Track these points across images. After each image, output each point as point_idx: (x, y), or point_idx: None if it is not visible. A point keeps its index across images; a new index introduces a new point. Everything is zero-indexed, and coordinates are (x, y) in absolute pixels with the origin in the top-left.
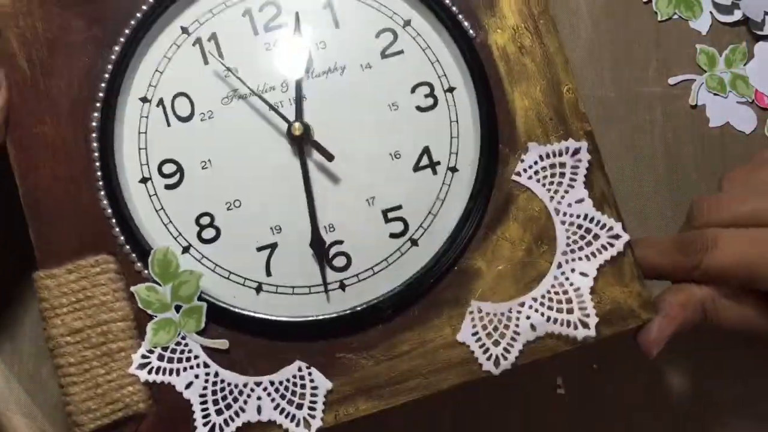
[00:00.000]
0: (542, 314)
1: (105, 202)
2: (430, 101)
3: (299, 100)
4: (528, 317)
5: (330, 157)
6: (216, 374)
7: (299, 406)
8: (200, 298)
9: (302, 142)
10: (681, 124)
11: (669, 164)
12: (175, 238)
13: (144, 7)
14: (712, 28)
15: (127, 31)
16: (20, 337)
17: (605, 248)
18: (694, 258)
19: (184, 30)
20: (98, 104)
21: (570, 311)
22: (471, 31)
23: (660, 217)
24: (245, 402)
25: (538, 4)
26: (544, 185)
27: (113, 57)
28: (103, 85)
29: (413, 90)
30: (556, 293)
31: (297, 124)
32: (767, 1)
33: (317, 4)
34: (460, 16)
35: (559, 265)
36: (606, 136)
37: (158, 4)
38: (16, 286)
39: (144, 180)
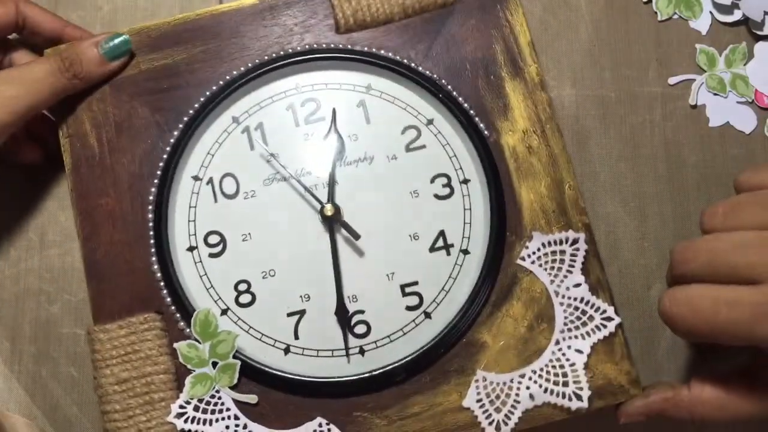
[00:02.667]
0: (540, 386)
1: (156, 266)
2: (447, 191)
3: (332, 184)
4: (528, 387)
5: (356, 236)
6: (245, 426)
7: None
8: (235, 356)
9: (332, 222)
10: (681, 124)
11: (669, 164)
12: (215, 301)
13: (201, 99)
14: (712, 28)
15: (185, 119)
16: (20, 338)
17: (599, 329)
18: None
19: (235, 119)
20: (156, 180)
21: (566, 384)
22: (486, 132)
23: (660, 217)
24: None
25: (545, 111)
26: (545, 270)
27: (172, 140)
28: (161, 164)
29: (432, 180)
30: (554, 367)
31: (329, 206)
32: (767, 1)
33: (352, 103)
34: (477, 119)
35: (557, 342)
36: (606, 136)
37: (213, 98)
38: (17, 287)
39: (191, 248)
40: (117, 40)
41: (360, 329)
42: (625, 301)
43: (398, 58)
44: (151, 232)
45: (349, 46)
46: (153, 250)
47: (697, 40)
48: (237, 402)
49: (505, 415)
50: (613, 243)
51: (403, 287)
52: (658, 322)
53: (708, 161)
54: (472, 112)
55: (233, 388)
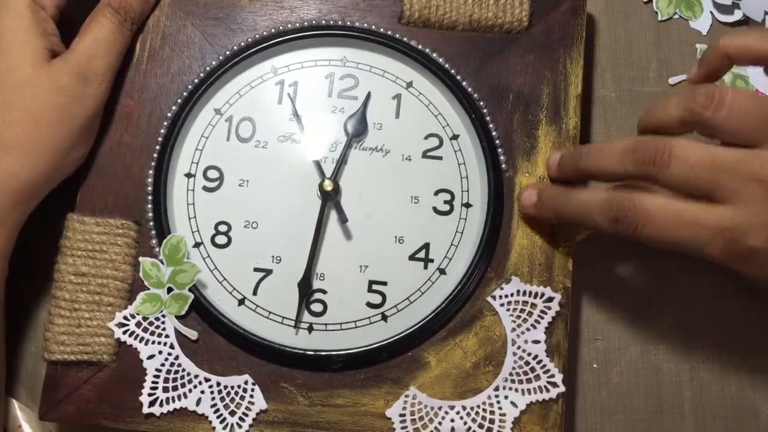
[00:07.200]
0: (465, 423)
1: (150, 180)
2: (447, 207)
3: (340, 162)
4: (452, 420)
5: (344, 220)
6: (176, 357)
7: (232, 413)
8: (191, 290)
9: (328, 198)
10: None
11: None
12: (193, 232)
13: (249, 40)
14: (713, 28)
15: (227, 53)
16: (20, 337)
17: (541, 390)
18: (626, 229)
19: (274, 69)
20: (179, 100)
21: (489, 431)
22: (504, 165)
23: None
24: (190, 391)
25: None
26: (511, 316)
27: (208, 69)
28: (190, 87)
29: (437, 193)
30: (484, 411)
31: (329, 181)
32: (767, 1)
33: (389, 93)
34: (501, 149)
35: (497, 388)
36: (606, 136)
37: (259, 43)
38: (16, 287)
39: (189, 175)
40: None
41: (316, 307)
42: (626, 301)
43: (447, 66)
44: (158, 147)
45: (405, 39)
46: (153, 163)
47: (697, 40)
48: (177, 332)
49: None
50: (614, 244)
51: (371, 283)
52: (659, 324)
53: None
54: (498, 141)
55: (179, 318)
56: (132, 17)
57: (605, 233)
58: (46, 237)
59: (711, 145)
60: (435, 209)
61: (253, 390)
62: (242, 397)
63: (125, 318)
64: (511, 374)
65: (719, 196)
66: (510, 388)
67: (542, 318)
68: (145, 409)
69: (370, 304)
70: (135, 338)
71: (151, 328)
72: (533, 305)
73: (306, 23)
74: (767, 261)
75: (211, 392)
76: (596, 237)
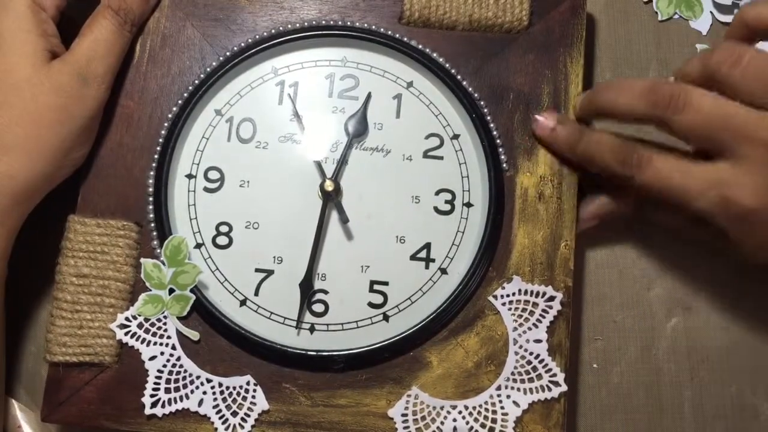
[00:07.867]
0: (467, 423)
1: (151, 180)
2: (448, 207)
3: (341, 162)
4: (454, 420)
5: (345, 220)
6: (178, 358)
7: (234, 414)
8: (192, 291)
9: (329, 198)
10: None
11: None
12: (194, 234)
13: (249, 41)
14: (713, 28)
15: (228, 54)
16: (20, 338)
17: (543, 389)
18: (629, 171)
19: (274, 70)
20: (180, 101)
21: (492, 430)
22: (505, 165)
23: None
24: (192, 392)
25: (570, 168)
26: (513, 315)
27: (208, 69)
28: (190, 87)
29: (437, 193)
30: (486, 410)
31: (329, 182)
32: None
33: (389, 93)
34: (501, 149)
35: (498, 388)
36: None
37: (259, 44)
38: (16, 287)
39: (190, 176)
40: None
41: (318, 308)
42: (626, 301)
43: (447, 65)
44: (158, 148)
45: (405, 39)
46: (154, 164)
47: (697, 40)
48: (179, 333)
49: None
50: (614, 244)
51: (372, 283)
52: (659, 324)
53: None
54: (499, 140)
55: (181, 319)
56: (132, 19)
57: (609, 173)
58: (46, 238)
59: (729, 101)
60: (436, 209)
61: (254, 390)
62: (244, 398)
63: (127, 319)
64: (513, 373)
65: (723, 150)
66: (512, 388)
67: (544, 317)
68: (147, 410)
69: (371, 304)
70: (137, 339)
71: (153, 330)
72: (535, 304)
73: (306, 24)
74: (758, 226)
75: (213, 393)
76: (597, 230)
